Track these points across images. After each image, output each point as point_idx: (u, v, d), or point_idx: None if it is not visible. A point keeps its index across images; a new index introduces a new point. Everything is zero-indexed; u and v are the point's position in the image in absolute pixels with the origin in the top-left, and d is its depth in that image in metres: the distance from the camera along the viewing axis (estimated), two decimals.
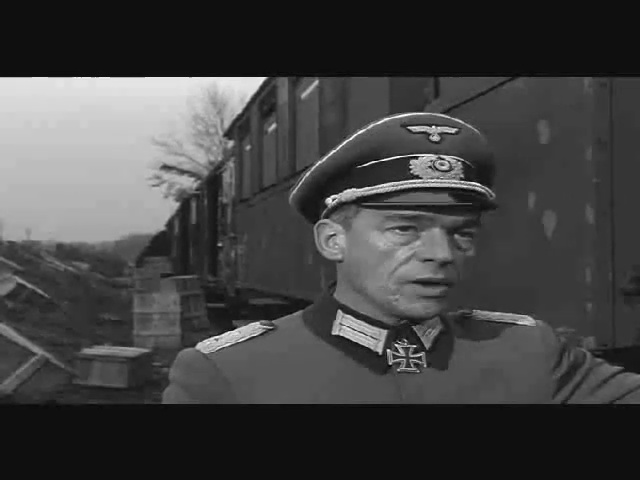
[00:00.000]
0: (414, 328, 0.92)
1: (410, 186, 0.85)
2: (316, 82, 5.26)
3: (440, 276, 0.86)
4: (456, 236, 0.88)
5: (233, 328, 0.97)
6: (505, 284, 2.65)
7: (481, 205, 0.88)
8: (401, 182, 0.85)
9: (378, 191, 0.86)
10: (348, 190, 0.89)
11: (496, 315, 1.03)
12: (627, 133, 2.20)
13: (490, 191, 0.89)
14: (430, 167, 0.86)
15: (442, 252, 0.85)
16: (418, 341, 0.92)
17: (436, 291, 0.86)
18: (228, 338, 0.93)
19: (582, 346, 2.16)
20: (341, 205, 0.91)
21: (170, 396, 0.91)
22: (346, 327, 0.92)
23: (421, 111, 0.93)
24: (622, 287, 2.19)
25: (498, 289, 2.65)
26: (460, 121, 0.91)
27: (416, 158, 0.86)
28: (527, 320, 1.02)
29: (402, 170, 0.86)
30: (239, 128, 8.76)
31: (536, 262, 2.48)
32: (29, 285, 12.99)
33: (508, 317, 1.02)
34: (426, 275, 0.86)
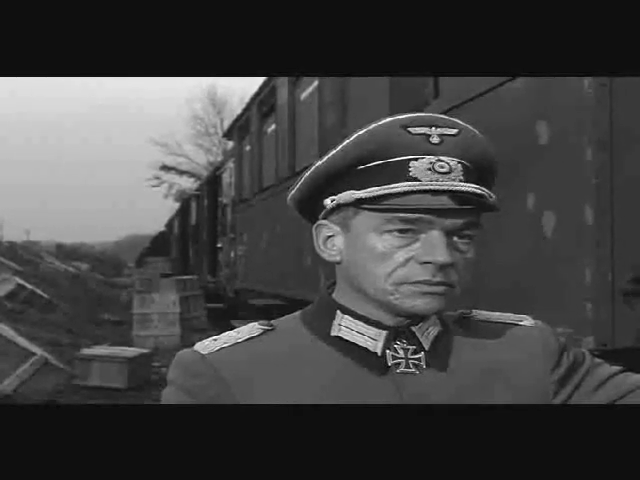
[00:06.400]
0: (413, 329, 0.92)
1: (409, 189, 0.84)
2: (316, 82, 5.26)
3: (439, 279, 0.86)
4: (455, 238, 0.87)
5: (232, 328, 0.97)
6: (505, 284, 2.65)
7: (481, 207, 0.87)
8: (400, 184, 0.85)
9: (377, 193, 0.86)
10: (347, 192, 0.89)
11: (495, 315, 1.02)
12: (627, 133, 2.20)
13: (490, 193, 0.88)
14: (429, 169, 0.85)
15: (441, 255, 0.84)
16: (417, 342, 0.92)
17: (436, 288, 0.86)
18: (226, 338, 0.93)
19: (581, 346, 2.16)
20: (340, 206, 0.90)
21: (168, 397, 0.91)
22: (345, 328, 0.92)
23: (421, 111, 0.92)
24: (621, 287, 2.19)
25: (498, 289, 2.65)
26: (460, 122, 0.90)
27: (415, 160, 0.86)
28: (526, 320, 1.02)
29: (401, 172, 0.86)
30: (239, 128, 8.76)
31: (535, 262, 2.48)
32: (29, 285, 12.98)
33: (507, 317, 1.02)
34: (425, 277, 0.86)
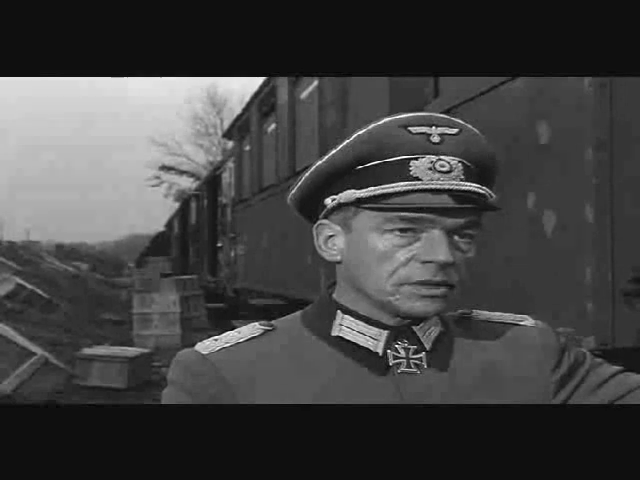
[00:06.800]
0: (414, 329, 0.92)
1: (410, 188, 0.84)
2: (316, 82, 5.26)
3: (440, 278, 0.86)
4: (456, 238, 0.87)
5: (232, 328, 0.97)
6: (505, 284, 2.65)
7: (482, 206, 0.87)
8: (401, 184, 0.85)
9: (377, 192, 0.85)
10: (347, 191, 0.89)
11: (496, 315, 1.02)
12: (627, 133, 2.20)
13: (491, 192, 0.88)
14: (430, 168, 0.85)
15: (442, 254, 0.84)
16: (418, 342, 0.92)
17: (436, 291, 0.86)
18: (227, 339, 0.93)
19: (582, 346, 2.16)
20: (340, 206, 0.90)
21: (169, 398, 0.91)
22: (346, 328, 0.92)
23: (421, 111, 0.92)
24: (622, 287, 2.19)
25: (498, 289, 2.65)
26: (461, 121, 0.90)
27: (416, 159, 0.86)
28: (527, 320, 1.02)
29: (402, 171, 0.86)
30: (238, 128, 8.76)
31: (536, 262, 2.48)
32: (29, 285, 12.98)
33: (508, 317, 1.02)
34: (426, 277, 0.85)
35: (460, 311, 1.01)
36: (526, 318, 1.02)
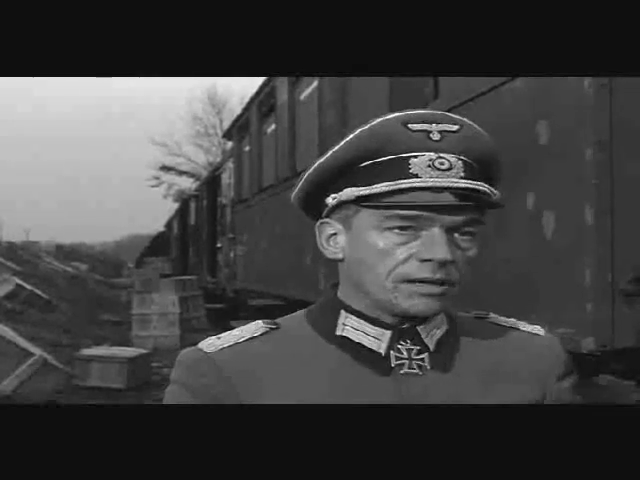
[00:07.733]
0: (418, 329, 0.91)
1: (409, 185, 0.84)
2: (315, 83, 5.26)
3: (439, 276, 0.85)
4: (456, 235, 0.87)
5: (231, 329, 0.96)
6: (505, 285, 2.65)
7: (483, 204, 0.87)
8: (400, 181, 0.84)
9: (377, 190, 0.85)
10: (348, 189, 0.88)
11: (510, 321, 1.02)
12: (627, 133, 2.20)
13: (492, 189, 0.88)
14: (429, 166, 0.85)
15: (441, 252, 0.84)
16: (422, 342, 0.91)
17: (436, 289, 0.86)
18: (230, 337, 0.92)
19: (581, 346, 2.17)
20: (341, 204, 0.90)
21: (171, 397, 0.90)
22: (349, 327, 0.92)
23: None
24: (622, 288, 2.19)
25: (498, 290, 2.65)
26: (462, 118, 0.90)
27: (416, 157, 0.85)
28: (539, 330, 1.01)
29: (401, 169, 0.85)
30: (238, 129, 8.76)
31: (536, 263, 2.48)
32: (28, 286, 12.97)
33: (521, 324, 1.02)
34: (425, 275, 0.85)
35: (475, 312, 1.01)
36: (539, 329, 1.02)
